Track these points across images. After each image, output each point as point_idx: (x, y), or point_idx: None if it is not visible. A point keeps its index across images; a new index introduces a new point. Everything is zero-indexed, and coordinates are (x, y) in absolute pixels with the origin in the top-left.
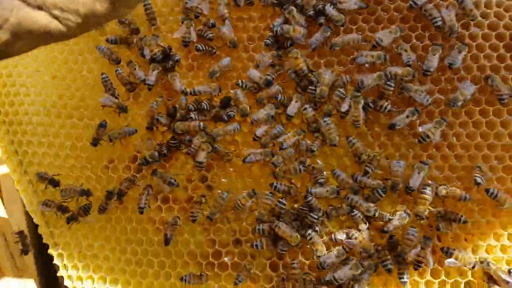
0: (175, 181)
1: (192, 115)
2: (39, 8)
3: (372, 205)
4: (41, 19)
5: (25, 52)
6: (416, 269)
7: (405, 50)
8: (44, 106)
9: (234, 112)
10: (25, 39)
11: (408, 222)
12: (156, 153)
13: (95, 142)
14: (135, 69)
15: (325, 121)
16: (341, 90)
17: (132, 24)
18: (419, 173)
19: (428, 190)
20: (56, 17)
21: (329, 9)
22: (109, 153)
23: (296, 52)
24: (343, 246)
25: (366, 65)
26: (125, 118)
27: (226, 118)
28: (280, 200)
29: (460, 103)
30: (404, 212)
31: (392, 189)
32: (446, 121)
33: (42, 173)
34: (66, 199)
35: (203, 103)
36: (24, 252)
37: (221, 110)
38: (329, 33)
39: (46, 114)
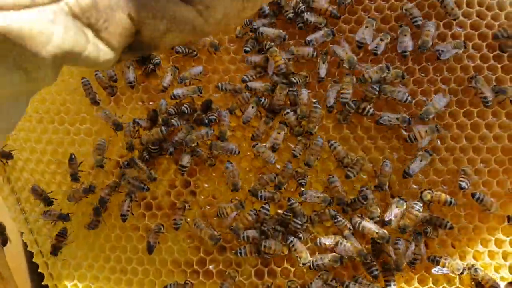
0: (144, 185)
1: (173, 121)
2: (187, 2)
3: (385, 232)
4: (189, 14)
5: (169, 47)
6: (411, 266)
7: (381, 40)
8: (25, 111)
9: (215, 116)
10: (174, 32)
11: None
12: (153, 173)
13: (74, 177)
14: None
15: (318, 141)
16: (316, 105)
17: None
18: (421, 161)
19: (419, 207)
20: (200, 13)
21: (308, 15)
22: (91, 158)
23: (275, 50)
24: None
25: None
26: None
27: (207, 122)
28: (263, 206)
29: (431, 116)
30: (400, 199)
31: (377, 187)
32: (439, 131)
33: (36, 187)
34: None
35: (183, 107)
36: (3, 243)
37: (201, 114)
38: (330, 38)
39: (27, 119)
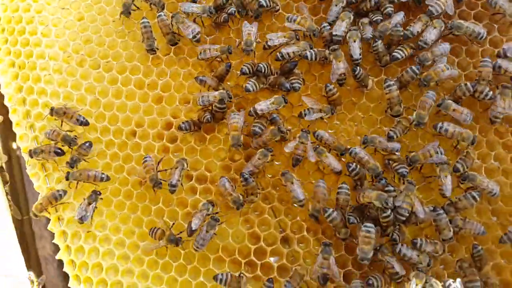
0: None
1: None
2: None
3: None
4: None
5: None
6: None
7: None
8: (65, 50)
9: (300, 82)
10: None
11: None
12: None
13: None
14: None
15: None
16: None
17: None
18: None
19: None
20: None
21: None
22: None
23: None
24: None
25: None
26: (161, 74)
27: (289, 87)
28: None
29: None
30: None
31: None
32: None
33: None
34: None
35: (260, 65)
36: None
37: (281, 77)
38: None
39: (66, 60)
